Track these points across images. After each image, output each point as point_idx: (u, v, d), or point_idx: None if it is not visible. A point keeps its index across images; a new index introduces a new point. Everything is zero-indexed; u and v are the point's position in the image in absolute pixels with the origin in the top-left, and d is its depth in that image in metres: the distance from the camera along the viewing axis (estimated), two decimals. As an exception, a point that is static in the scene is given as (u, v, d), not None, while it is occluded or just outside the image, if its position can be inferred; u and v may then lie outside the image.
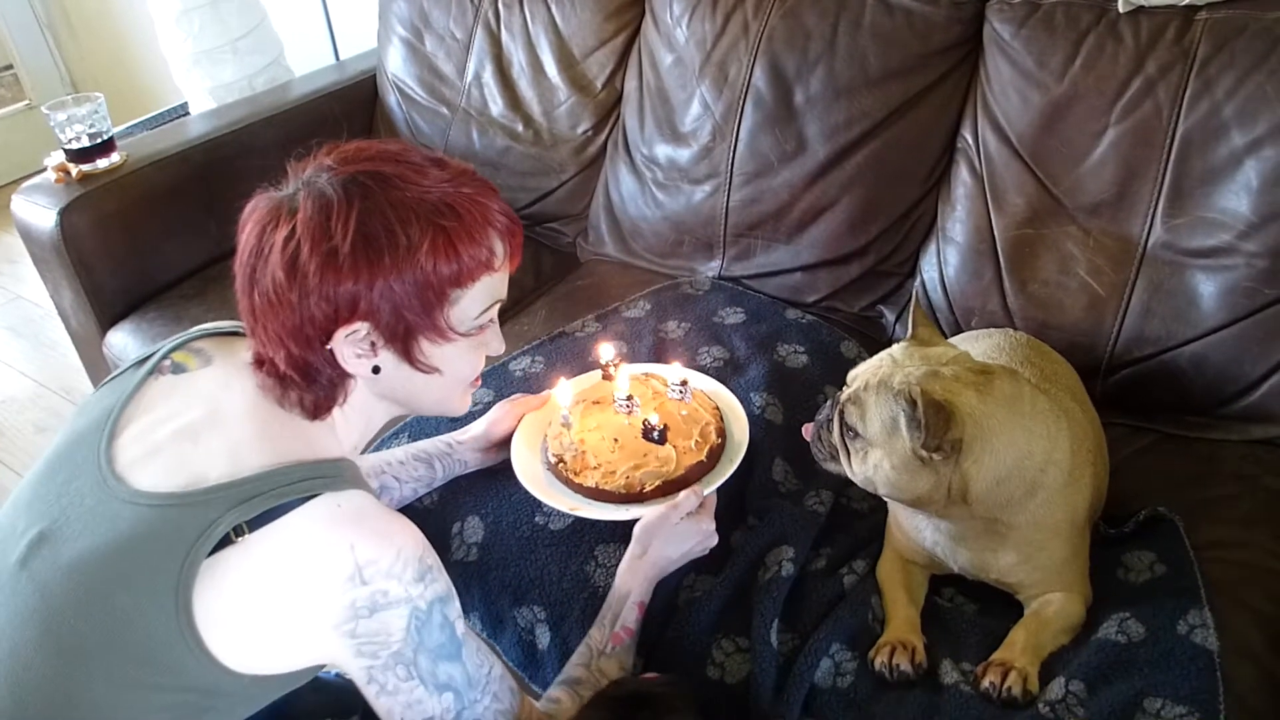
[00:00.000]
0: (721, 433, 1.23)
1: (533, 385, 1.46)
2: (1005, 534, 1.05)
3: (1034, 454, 1.01)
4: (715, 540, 1.15)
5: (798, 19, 1.61)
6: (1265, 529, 1.17)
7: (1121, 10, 1.38)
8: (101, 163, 1.79)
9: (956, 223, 1.54)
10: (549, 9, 1.90)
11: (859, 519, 1.25)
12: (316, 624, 0.81)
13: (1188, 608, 1.04)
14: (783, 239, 1.69)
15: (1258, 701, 0.97)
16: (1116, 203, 1.39)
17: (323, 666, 0.87)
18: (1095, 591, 1.10)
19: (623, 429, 1.22)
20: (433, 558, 0.87)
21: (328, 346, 0.86)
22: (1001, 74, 1.48)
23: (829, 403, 1.11)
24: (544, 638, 1.17)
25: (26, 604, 0.80)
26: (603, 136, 1.90)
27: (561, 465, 1.20)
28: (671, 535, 1.11)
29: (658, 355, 1.51)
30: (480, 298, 0.90)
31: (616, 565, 1.14)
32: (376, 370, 0.89)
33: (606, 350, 1.33)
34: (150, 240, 1.84)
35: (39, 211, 1.73)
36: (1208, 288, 1.34)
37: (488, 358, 0.98)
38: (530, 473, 1.21)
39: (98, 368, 1.91)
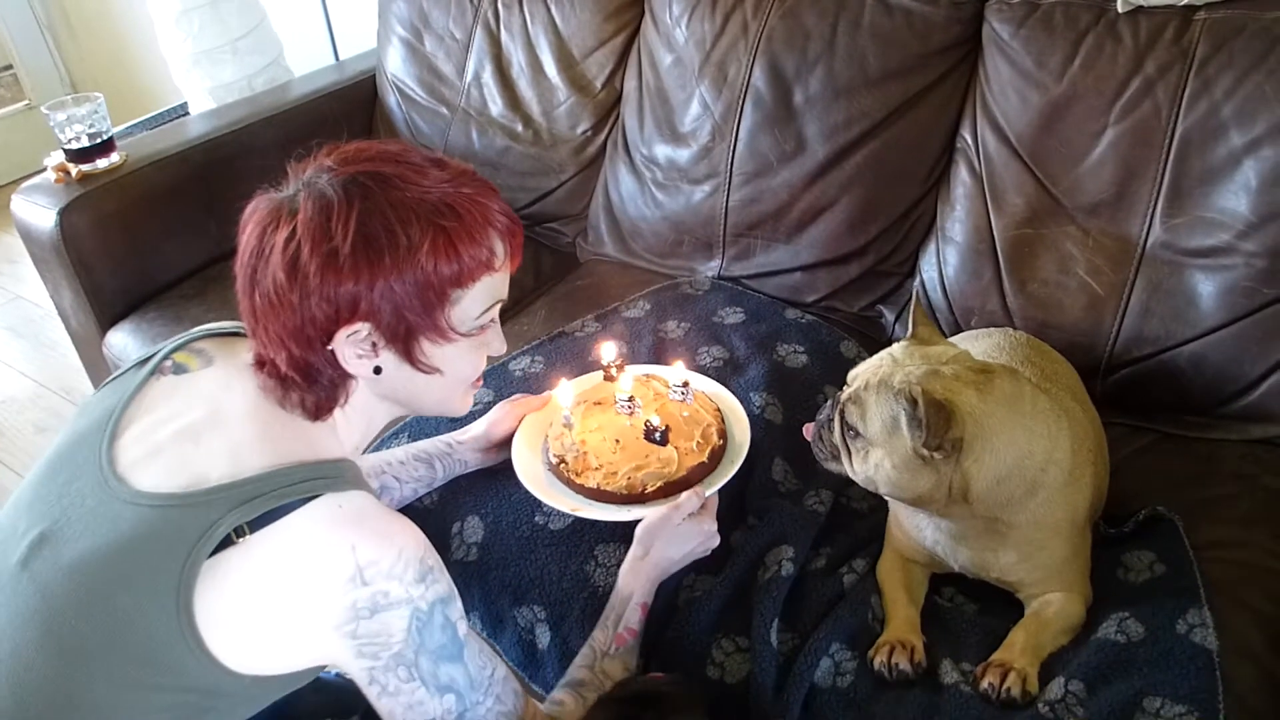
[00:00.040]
0: (723, 434, 1.23)
1: (532, 385, 1.46)
2: (1006, 533, 1.05)
3: (1034, 453, 1.01)
4: (717, 541, 1.16)
5: (797, 19, 1.61)
6: (1264, 528, 1.18)
7: (1120, 10, 1.38)
8: (101, 163, 1.79)
9: (956, 222, 1.54)
10: (548, 9, 1.90)
11: (859, 519, 1.25)
12: (317, 625, 0.81)
13: (1187, 607, 1.04)
14: (782, 239, 1.69)
15: (1257, 701, 0.97)
16: (1115, 202, 1.39)
17: (324, 667, 0.87)
18: (1095, 591, 1.10)
19: (624, 430, 1.22)
20: (434, 558, 0.87)
21: (329, 347, 0.86)
22: (1001, 74, 1.48)
23: (829, 403, 1.11)
24: (544, 637, 1.17)
25: (28, 605, 0.80)
26: (602, 136, 1.90)
27: (563, 466, 1.20)
28: (673, 536, 1.12)
29: (657, 355, 1.51)
30: (481, 298, 0.90)
31: (616, 565, 1.14)
32: (378, 371, 0.89)
33: (608, 351, 1.33)
34: (150, 240, 1.84)
35: (39, 211, 1.73)
36: (1207, 287, 1.34)
37: (489, 358, 0.98)
38: (532, 473, 1.21)
39: (98, 368, 1.91)
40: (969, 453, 0.98)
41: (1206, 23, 1.33)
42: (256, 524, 0.80)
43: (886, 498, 1.10)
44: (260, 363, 0.90)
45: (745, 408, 1.29)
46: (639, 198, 1.83)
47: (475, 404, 1.33)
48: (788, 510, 1.21)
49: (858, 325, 1.65)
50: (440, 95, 2.04)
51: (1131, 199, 1.38)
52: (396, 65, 2.10)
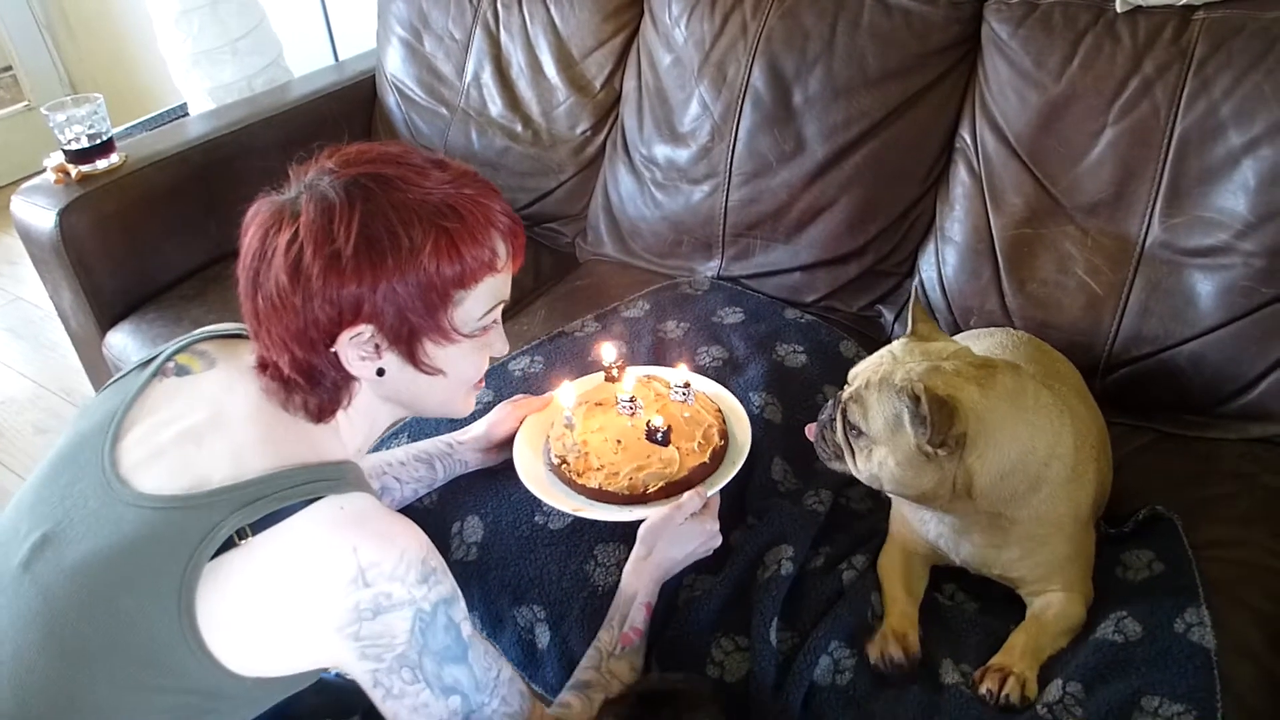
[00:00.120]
0: (724, 434, 1.23)
1: (532, 385, 1.46)
2: (1008, 529, 1.05)
3: (1037, 448, 1.01)
4: (719, 541, 1.16)
5: (796, 19, 1.62)
6: (1263, 527, 1.18)
7: (1119, 10, 1.39)
8: (101, 163, 1.79)
9: (955, 222, 1.55)
10: (548, 9, 1.90)
11: (858, 518, 1.26)
12: (320, 627, 0.81)
13: (1185, 606, 1.04)
14: (781, 239, 1.69)
15: (1255, 700, 0.97)
16: (1114, 202, 1.40)
17: (326, 669, 0.87)
18: (1093, 590, 1.10)
19: (626, 430, 1.22)
20: (437, 560, 0.87)
21: (332, 349, 0.86)
22: (999, 74, 1.49)
23: (831, 402, 1.11)
24: (544, 637, 1.17)
25: (30, 606, 0.80)
26: (601, 137, 1.90)
27: (565, 466, 1.20)
28: (676, 536, 1.12)
29: (657, 355, 1.51)
30: (483, 299, 0.91)
31: (616, 565, 1.15)
32: (381, 373, 0.89)
33: (609, 352, 1.34)
34: (150, 241, 1.84)
35: (38, 212, 1.73)
36: (1205, 287, 1.34)
37: (491, 358, 0.99)
38: (533, 474, 1.21)
39: (97, 369, 1.91)
40: (972, 448, 0.98)
41: (1205, 22, 1.33)
42: (258, 526, 0.80)
43: (891, 495, 1.10)
44: (263, 365, 0.90)
45: (745, 407, 1.29)
46: (638, 198, 1.83)
47: (475, 404, 1.33)
48: (787, 510, 1.21)
49: (857, 325, 1.65)
50: (440, 96, 2.04)
51: (1130, 199, 1.38)
52: (396, 66, 2.10)
